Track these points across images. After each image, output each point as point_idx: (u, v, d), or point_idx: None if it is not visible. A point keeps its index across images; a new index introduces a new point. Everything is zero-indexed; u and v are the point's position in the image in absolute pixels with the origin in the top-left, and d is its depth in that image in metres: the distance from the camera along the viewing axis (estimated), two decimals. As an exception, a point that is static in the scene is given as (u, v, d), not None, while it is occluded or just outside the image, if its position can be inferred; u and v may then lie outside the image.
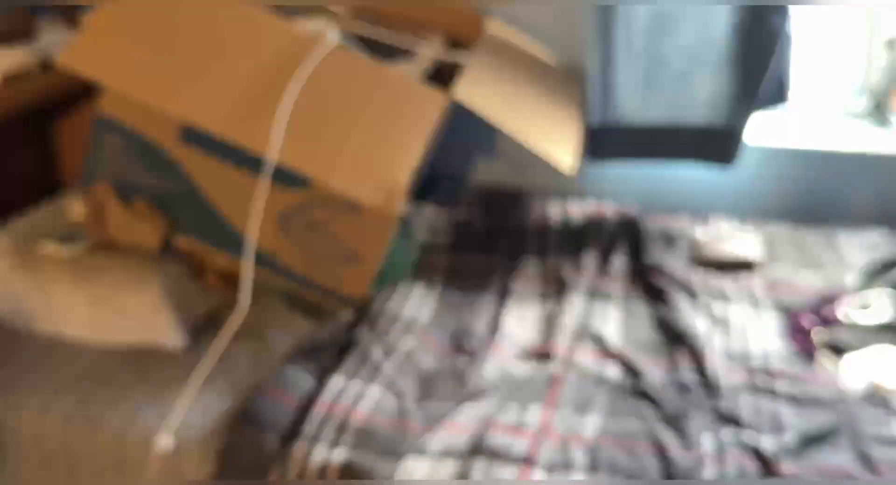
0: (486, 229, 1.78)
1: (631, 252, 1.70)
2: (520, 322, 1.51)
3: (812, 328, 1.44)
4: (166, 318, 1.41)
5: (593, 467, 1.17)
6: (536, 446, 1.19)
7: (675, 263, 1.65)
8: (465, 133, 1.91)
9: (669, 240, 1.74)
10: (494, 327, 1.49)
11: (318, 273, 1.50)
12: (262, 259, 1.47)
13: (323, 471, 1.17)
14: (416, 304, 1.54)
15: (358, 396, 1.28)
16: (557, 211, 1.83)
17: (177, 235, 1.52)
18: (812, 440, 1.21)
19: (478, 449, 1.18)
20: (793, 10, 1.62)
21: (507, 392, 1.31)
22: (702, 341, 1.41)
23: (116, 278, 1.44)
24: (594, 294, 1.58)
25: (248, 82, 1.38)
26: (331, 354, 1.38)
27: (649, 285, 1.60)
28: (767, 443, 1.20)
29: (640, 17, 1.64)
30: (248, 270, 1.40)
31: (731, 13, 1.62)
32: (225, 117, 1.35)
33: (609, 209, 1.84)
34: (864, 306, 1.48)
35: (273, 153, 1.34)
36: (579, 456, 1.18)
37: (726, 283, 1.60)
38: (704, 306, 1.54)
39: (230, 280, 1.51)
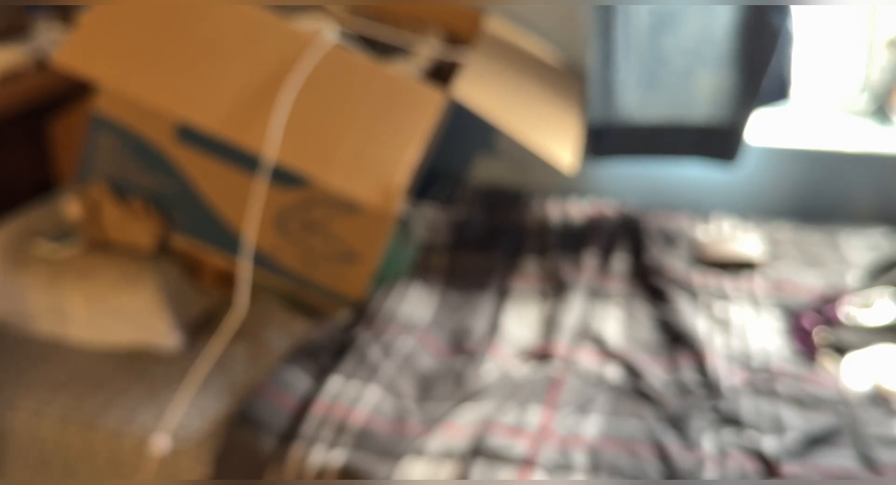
0: (485, 229, 1.77)
1: (631, 251, 1.69)
2: (519, 322, 1.50)
3: (813, 328, 1.44)
4: (163, 318, 1.41)
5: (593, 468, 1.16)
6: (536, 447, 1.18)
7: (675, 263, 1.64)
8: (464, 132, 1.91)
9: (670, 239, 1.74)
10: (494, 327, 1.48)
11: (316, 273, 1.49)
12: (259, 259, 1.47)
13: (321, 472, 1.16)
14: (415, 303, 1.53)
15: (356, 396, 1.27)
16: (557, 210, 1.83)
17: (173, 234, 1.51)
18: (813, 441, 1.20)
19: (477, 450, 1.17)
20: (794, 9, 1.62)
21: (506, 393, 1.30)
22: (702, 342, 1.41)
23: (112, 278, 1.43)
24: (594, 294, 1.57)
25: (245, 81, 1.37)
26: (329, 354, 1.37)
27: (650, 285, 1.60)
28: (768, 444, 1.19)
29: (641, 14, 1.64)
30: (245, 270, 1.39)
31: (732, 11, 1.61)
32: (222, 116, 1.34)
33: (609, 208, 1.83)
34: (866, 306, 1.47)
35: (270, 152, 1.33)
36: (579, 457, 1.17)
37: (727, 283, 1.60)
38: (705, 306, 1.53)
39: (227, 280, 1.50)
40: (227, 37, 1.40)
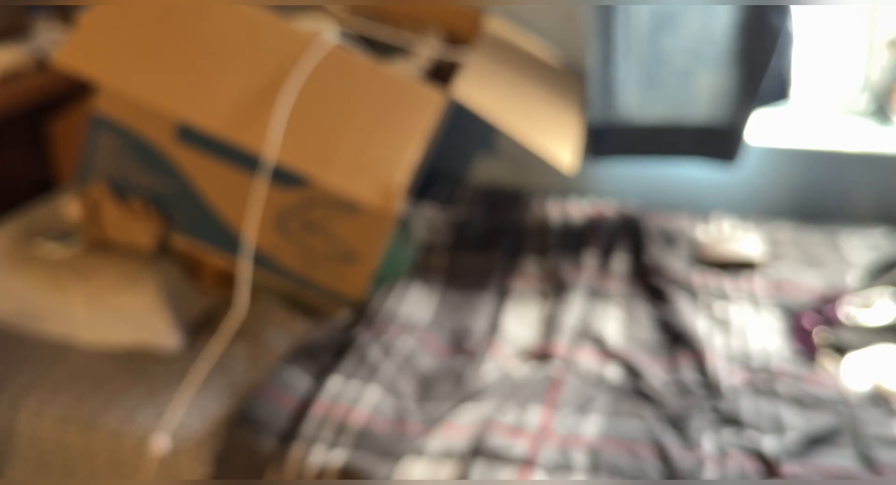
0: (485, 229, 1.77)
1: (631, 251, 1.69)
2: (519, 322, 1.50)
3: (813, 328, 1.44)
4: (163, 318, 1.41)
5: (593, 468, 1.16)
6: (536, 447, 1.18)
7: (675, 263, 1.64)
8: (464, 132, 1.91)
9: (670, 239, 1.74)
10: (494, 327, 1.48)
11: (316, 273, 1.49)
12: (259, 259, 1.47)
13: (321, 472, 1.16)
14: (415, 303, 1.53)
15: (356, 396, 1.27)
16: (557, 210, 1.83)
17: (173, 234, 1.51)
18: (813, 441, 1.21)
19: (477, 450, 1.17)
20: (794, 9, 1.62)
21: (506, 393, 1.30)
22: (702, 342, 1.41)
23: (112, 278, 1.43)
24: (594, 294, 1.57)
25: (246, 81, 1.37)
26: (329, 354, 1.37)
27: (650, 285, 1.60)
28: (768, 444, 1.19)
29: (641, 15, 1.63)
30: (245, 270, 1.39)
31: (732, 11, 1.61)
32: (222, 116, 1.34)
33: (609, 208, 1.83)
34: (866, 306, 1.47)
35: (271, 152, 1.33)
36: (579, 457, 1.17)
37: (727, 283, 1.60)
38: (705, 306, 1.53)
39: (227, 280, 1.50)
40: (227, 37, 1.40)
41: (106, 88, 1.43)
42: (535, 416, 1.24)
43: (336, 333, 1.42)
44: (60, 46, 1.38)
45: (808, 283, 1.59)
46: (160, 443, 1.23)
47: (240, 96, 1.36)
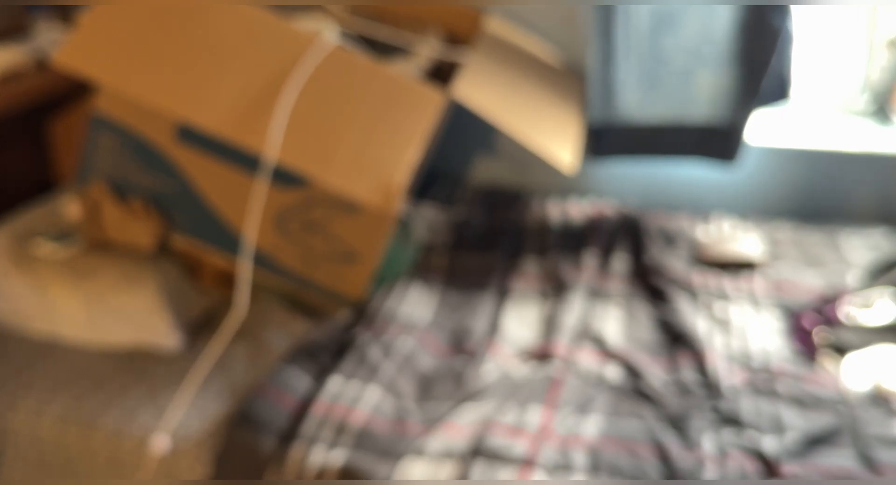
0: (485, 229, 1.77)
1: (631, 251, 1.69)
2: (519, 322, 1.50)
3: (813, 328, 1.44)
4: (163, 318, 1.41)
5: (593, 468, 1.16)
6: (536, 447, 1.18)
7: (675, 263, 1.64)
8: (464, 132, 1.91)
9: (670, 239, 1.74)
10: (494, 327, 1.48)
11: (316, 273, 1.49)
12: (259, 259, 1.47)
13: (321, 472, 1.16)
14: (415, 303, 1.53)
15: (356, 396, 1.27)
16: (557, 210, 1.83)
17: (173, 234, 1.51)
18: (813, 441, 1.21)
19: (477, 450, 1.17)
20: (794, 9, 1.62)
21: (506, 393, 1.30)
22: (702, 342, 1.41)
23: (112, 279, 1.43)
24: (594, 294, 1.57)
25: (246, 81, 1.37)
26: (329, 354, 1.37)
27: (650, 285, 1.60)
28: (768, 444, 1.19)
29: (641, 14, 1.64)
30: (245, 270, 1.39)
31: (732, 11, 1.61)
32: (222, 116, 1.34)
33: (609, 208, 1.83)
34: (866, 306, 1.47)
35: (271, 152, 1.33)
36: (579, 457, 1.17)
37: (727, 283, 1.60)
38: (705, 306, 1.53)
39: (227, 280, 1.51)
40: (227, 37, 1.40)
41: (106, 88, 1.43)
42: (535, 416, 1.24)
43: (336, 333, 1.42)
44: (60, 46, 1.38)
45: (808, 283, 1.59)
46: (160, 443, 1.23)
47: (240, 96, 1.36)
